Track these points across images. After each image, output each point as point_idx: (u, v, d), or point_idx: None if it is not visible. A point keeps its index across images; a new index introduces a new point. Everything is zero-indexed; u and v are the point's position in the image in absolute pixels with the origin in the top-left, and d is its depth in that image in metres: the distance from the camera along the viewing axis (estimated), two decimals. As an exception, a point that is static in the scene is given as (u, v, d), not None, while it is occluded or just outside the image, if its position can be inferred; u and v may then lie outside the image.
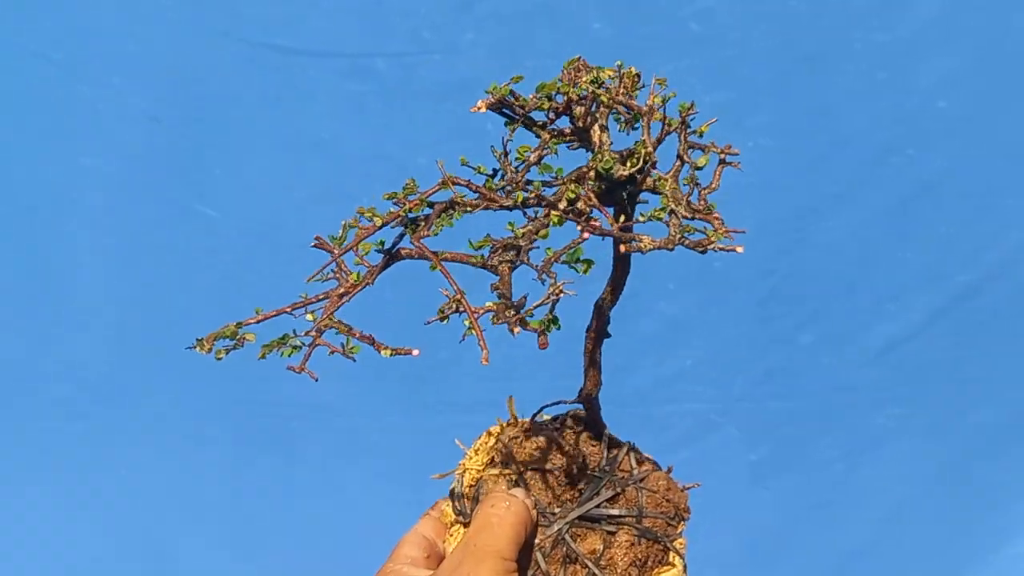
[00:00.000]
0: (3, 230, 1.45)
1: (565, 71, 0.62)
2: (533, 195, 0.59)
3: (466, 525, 0.67)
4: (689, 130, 0.62)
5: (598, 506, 0.66)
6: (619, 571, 0.65)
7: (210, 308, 1.45)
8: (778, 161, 1.40)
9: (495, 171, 0.61)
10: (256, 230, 1.43)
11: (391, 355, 0.55)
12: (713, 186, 0.61)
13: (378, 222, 0.58)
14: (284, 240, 1.42)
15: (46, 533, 1.54)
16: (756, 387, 1.48)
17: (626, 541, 0.66)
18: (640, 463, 0.70)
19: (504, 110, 0.62)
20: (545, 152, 0.61)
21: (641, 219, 0.60)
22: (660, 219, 0.58)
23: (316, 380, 0.55)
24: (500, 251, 0.57)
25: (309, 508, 1.53)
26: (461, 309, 0.55)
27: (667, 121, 0.61)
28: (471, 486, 0.69)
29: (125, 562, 1.54)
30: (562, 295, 0.54)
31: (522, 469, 0.68)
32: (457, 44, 1.35)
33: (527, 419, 0.73)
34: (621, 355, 1.46)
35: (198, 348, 0.55)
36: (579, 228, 0.56)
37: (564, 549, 0.65)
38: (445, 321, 0.56)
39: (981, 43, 1.36)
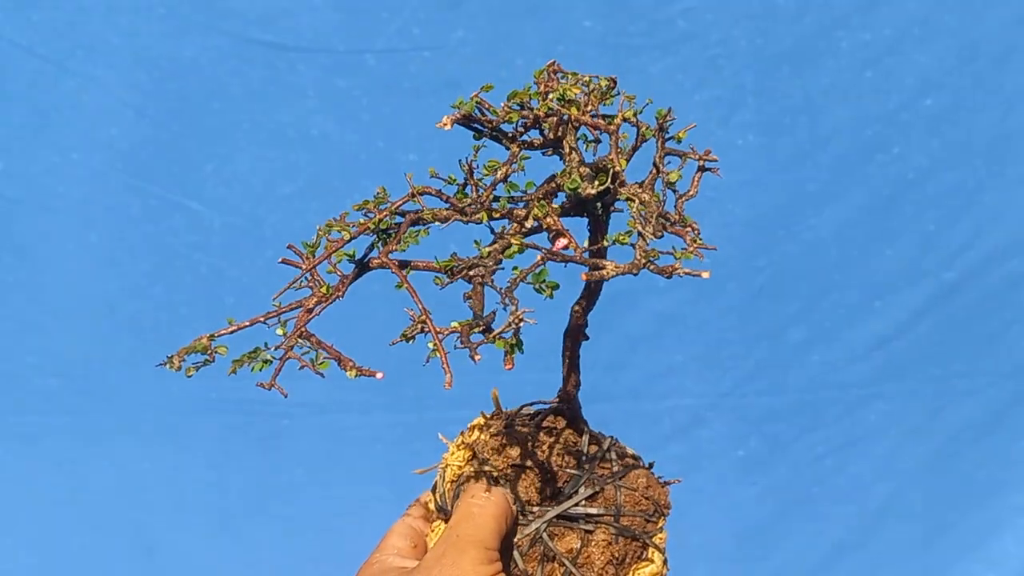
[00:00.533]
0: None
1: (538, 77, 0.60)
2: (498, 213, 0.58)
3: (447, 520, 0.67)
4: (666, 136, 0.61)
5: (576, 505, 0.66)
6: (596, 570, 0.65)
7: (195, 303, 1.44)
8: (766, 158, 1.40)
9: (466, 182, 0.60)
10: (242, 225, 1.43)
11: (356, 375, 0.54)
12: (691, 193, 0.60)
13: (346, 236, 0.57)
14: (271, 236, 1.42)
15: (29, 527, 1.54)
16: (745, 383, 1.49)
17: (603, 540, 0.66)
18: (622, 460, 0.70)
19: (473, 124, 0.60)
20: (512, 169, 0.59)
21: (604, 243, 0.58)
22: (625, 243, 0.56)
23: (286, 396, 0.54)
24: (464, 271, 0.55)
25: (295, 503, 1.53)
26: (426, 330, 0.53)
27: (642, 129, 0.60)
28: (452, 482, 0.69)
29: (109, 556, 1.54)
30: (523, 323, 0.53)
31: (502, 466, 0.68)
32: (447, 41, 1.35)
33: (511, 410, 0.73)
34: (611, 351, 1.47)
35: (168, 365, 0.54)
36: (539, 257, 0.55)
37: (542, 548, 0.65)
38: (411, 342, 0.54)
39: (962, 41, 1.37)
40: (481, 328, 0.54)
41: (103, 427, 1.50)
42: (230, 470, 1.52)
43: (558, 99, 0.59)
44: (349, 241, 0.57)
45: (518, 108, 0.59)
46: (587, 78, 0.60)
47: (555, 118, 0.59)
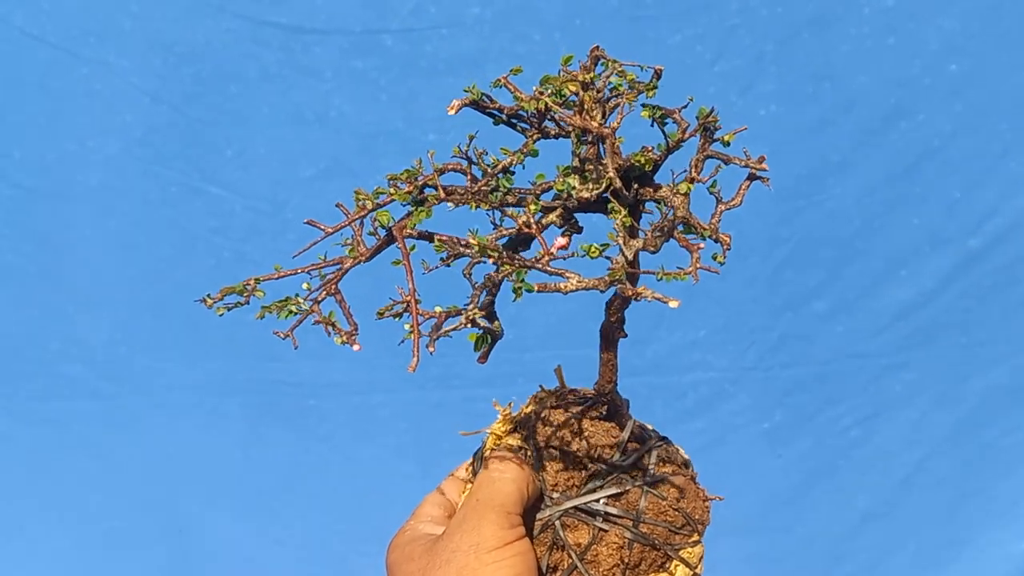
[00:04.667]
0: (6, 212, 1.45)
1: (566, 64, 0.57)
2: (488, 205, 0.57)
3: None
4: (712, 138, 0.57)
5: (597, 501, 0.65)
6: (602, 570, 0.64)
7: (218, 287, 1.44)
8: (788, 128, 1.38)
9: (470, 167, 0.59)
10: (261, 208, 1.43)
11: (341, 343, 0.55)
12: (735, 202, 0.57)
13: (369, 204, 0.57)
14: (292, 218, 1.42)
15: (60, 512, 1.55)
16: (770, 355, 1.48)
17: (615, 542, 0.64)
18: (663, 464, 0.68)
19: (488, 110, 0.59)
20: (513, 161, 0.57)
21: (576, 254, 0.55)
22: (596, 256, 0.54)
23: (296, 347, 0.55)
24: (451, 258, 0.55)
25: (323, 482, 1.55)
26: (409, 311, 0.54)
27: (682, 127, 0.57)
28: (492, 450, 0.68)
29: (141, 537, 1.56)
30: (473, 326, 0.53)
31: (541, 444, 0.67)
32: (463, 18, 1.34)
33: (571, 388, 0.72)
34: (635, 325, 1.45)
35: (206, 302, 0.57)
36: (496, 263, 0.53)
37: (552, 535, 0.64)
38: (398, 318, 0.55)
39: (986, 4, 1.34)
40: (456, 314, 0.54)
41: (130, 411, 1.52)
42: (258, 450, 1.53)
43: (553, 94, 0.55)
44: (372, 211, 0.58)
45: (558, 95, 0.57)
46: (620, 66, 0.56)
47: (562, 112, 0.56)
